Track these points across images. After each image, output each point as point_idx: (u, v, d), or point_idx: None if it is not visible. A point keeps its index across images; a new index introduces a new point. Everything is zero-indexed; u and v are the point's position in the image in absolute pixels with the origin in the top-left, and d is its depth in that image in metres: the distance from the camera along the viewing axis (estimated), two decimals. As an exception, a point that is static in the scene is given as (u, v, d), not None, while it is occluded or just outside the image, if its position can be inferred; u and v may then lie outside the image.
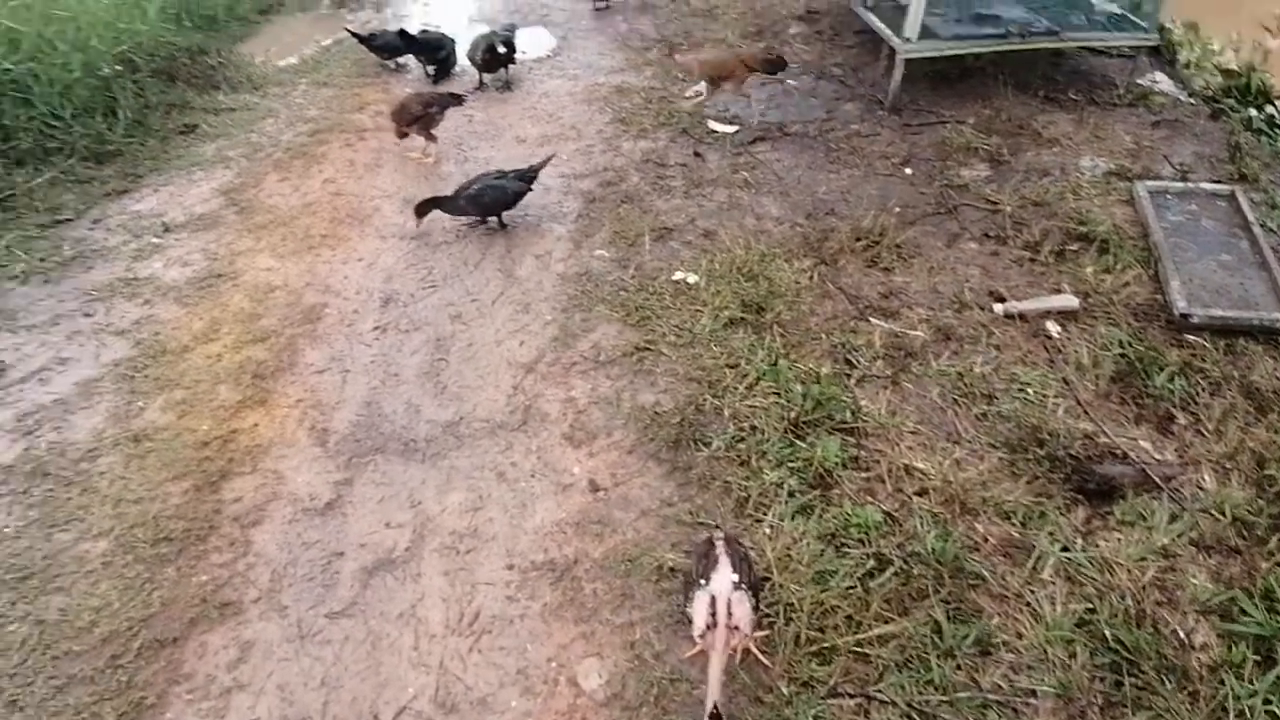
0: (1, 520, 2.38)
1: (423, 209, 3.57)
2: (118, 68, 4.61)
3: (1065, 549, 2.21)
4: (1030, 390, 2.70)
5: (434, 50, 5.25)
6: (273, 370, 2.94)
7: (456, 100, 4.35)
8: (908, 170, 3.89)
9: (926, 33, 4.17)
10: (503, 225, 3.72)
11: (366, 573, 2.25)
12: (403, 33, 5.19)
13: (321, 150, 4.46)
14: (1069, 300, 3.01)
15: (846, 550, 2.16)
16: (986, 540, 2.24)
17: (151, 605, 2.14)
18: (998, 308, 2.98)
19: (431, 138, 4.27)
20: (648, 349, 2.92)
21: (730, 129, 4.38)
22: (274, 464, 2.58)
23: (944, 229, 3.48)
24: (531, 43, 5.78)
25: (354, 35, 5.42)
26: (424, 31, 5.37)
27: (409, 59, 5.44)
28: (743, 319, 2.99)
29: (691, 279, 3.23)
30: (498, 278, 3.42)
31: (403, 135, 4.24)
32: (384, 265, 3.53)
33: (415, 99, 4.27)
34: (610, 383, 2.81)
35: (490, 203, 3.59)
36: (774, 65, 4.36)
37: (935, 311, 3.01)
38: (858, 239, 3.42)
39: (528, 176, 3.64)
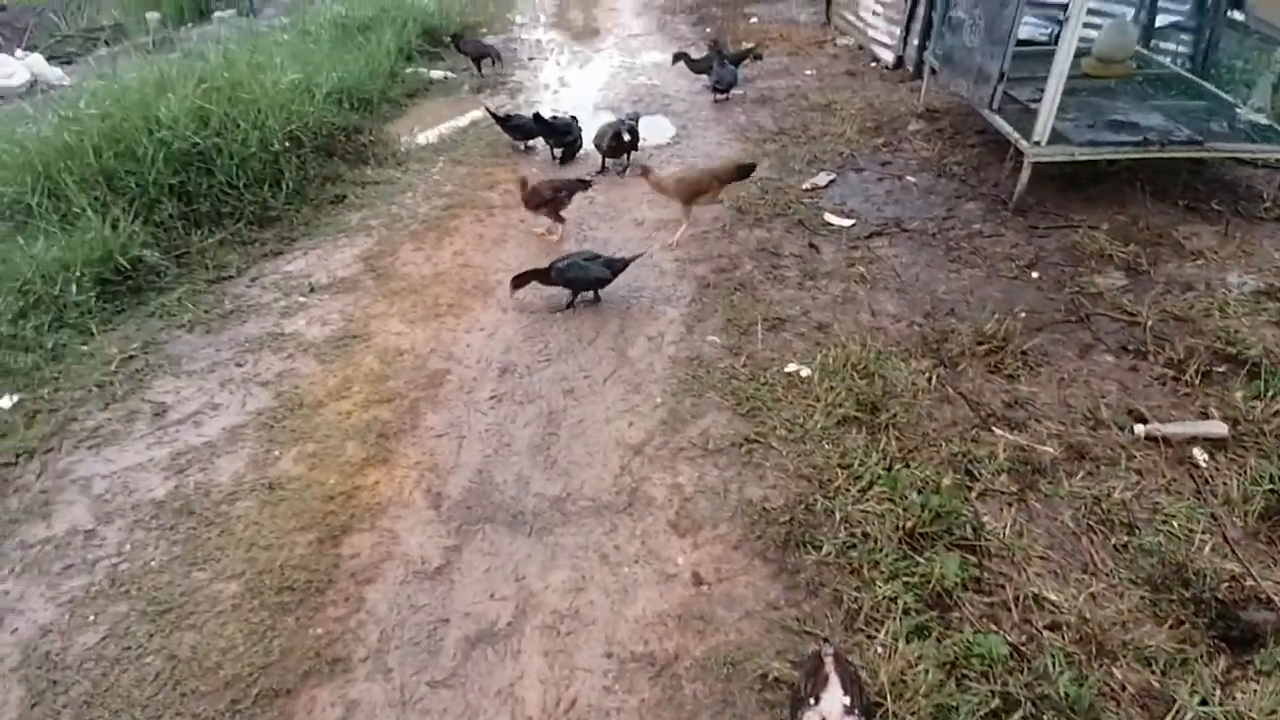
0: (150, 553, 2.58)
1: (519, 281, 3.78)
2: (286, 144, 5.14)
3: (1204, 702, 1.99)
4: (1175, 523, 2.49)
5: (563, 134, 5.59)
6: (396, 431, 3.10)
7: (584, 185, 4.59)
8: (1034, 274, 3.78)
9: (1057, 137, 4.11)
10: (597, 299, 3.88)
11: (469, 643, 2.28)
12: (537, 116, 5.57)
13: (454, 224, 4.77)
14: (1217, 427, 2.79)
15: (968, 684, 2.02)
16: (1124, 688, 2.04)
17: (271, 653, 2.23)
18: (1139, 429, 2.79)
19: (559, 219, 4.51)
20: (757, 441, 2.90)
21: (847, 222, 4.40)
22: (390, 523, 2.68)
23: (1075, 338, 3.33)
24: (653, 130, 6.07)
25: (492, 115, 5.85)
26: (554, 117, 5.74)
27: (538, 141, 5.81)
28: (856, 418, 2.93)
29: (804, 372, 3.21)
30: (610, 356, 3.50)
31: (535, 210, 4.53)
32: (504, 336, 3.70)
33: (546, 184, 4.53)
34: (718, 472, 2.80)
35: (573, 279, 3.78)
36: (745, 171, 4.37)
37: (1067, 427, 2.85)
38: (980, 342, 3.32)
39: (615, 266, 3.80)
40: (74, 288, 3.83)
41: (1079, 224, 4.13)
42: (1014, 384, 3.10)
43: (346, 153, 5.78)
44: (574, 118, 5.71)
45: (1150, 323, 3.33)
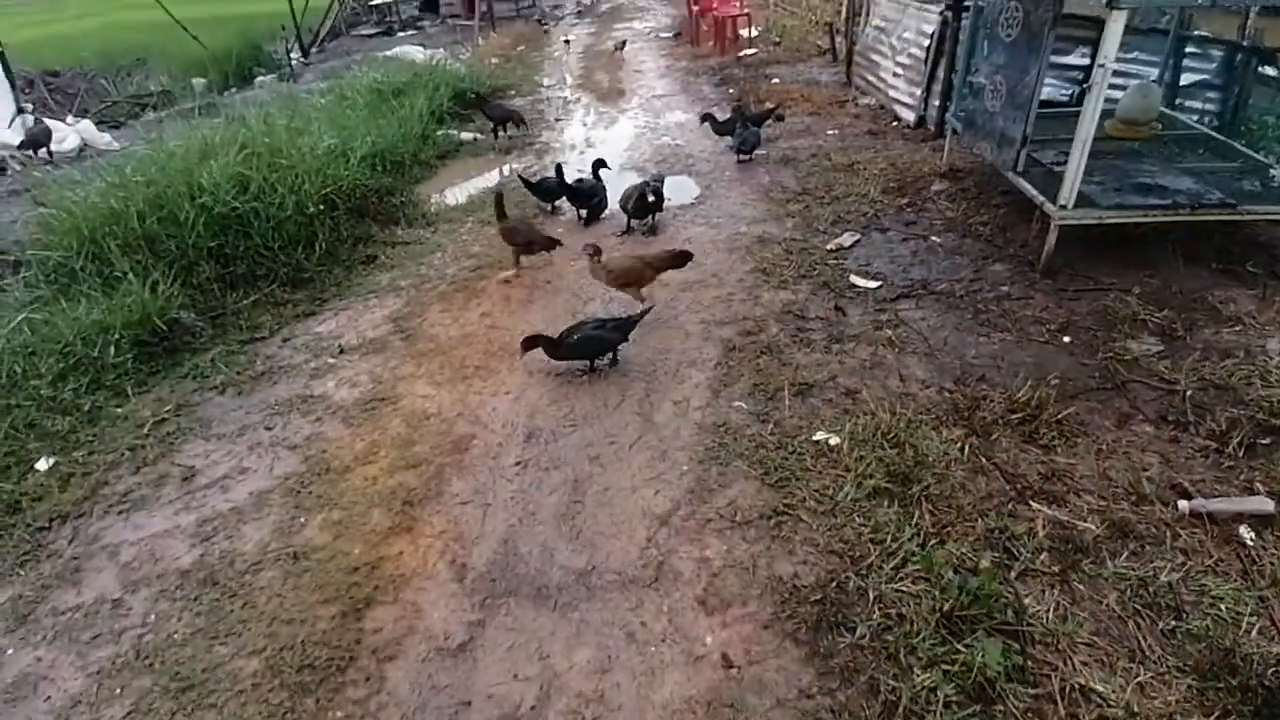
0: (174, 624, 2.57)
1: (529, 344, 3.78)
2: (321, 207, 5.29)
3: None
4: (1222, 606, 2.38)
5: (588, 197, 5.69)
6: (421, 498, 3.09)
7: (553, 245, 4.89)
8: (1066, 339, 3.72)
9: (1083, 200, 4.09)
10: (614, 362, 3.88)
11: (491, 728, 2.22)
12: (561, 180, 5.68)
13: (481, 285, 4.84)
14: (1264, 504, 2.69)
15: (1015, 784, 1.91)
16: (1181, 789, 1.92)
17: (290, 737, 2.19)
18: (1183, 505, 2.69)
19: (517, 262, 4.87)
20: (787, 513, 2.84)
21: (873, 284, 4.39)
22: (414, 595, 2.65)
23: (1112, 407, 3.25)
24: (677, 190, 6.16)
25: (522, 180, 6.00)
26: (580, 180, 5.85)
27: (564, 201, 5.92)
28: (888, 489, 2.87)
29: (833, 440, 3.16)
30: (636, 421, 3.48)
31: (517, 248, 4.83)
32: (529, 400, 3.70)
33: (525, 229, 4.90)
34: (746, 546, 2.74)
35: (588, 351, 3.79)
36: (680, 261, 4.35)
37: (1108, 502, 2.75)
38: (1013, 410, 3.25)
39: (625, 327, 3.82)
40: (112, 350, 3.92)
41: (1110, 287, 4.08)
42: (1050, 455, 3.02)
43: (378, 214, 5.94)
44: (598, 177, 5.80)
45: (1189, 391, 3.25)
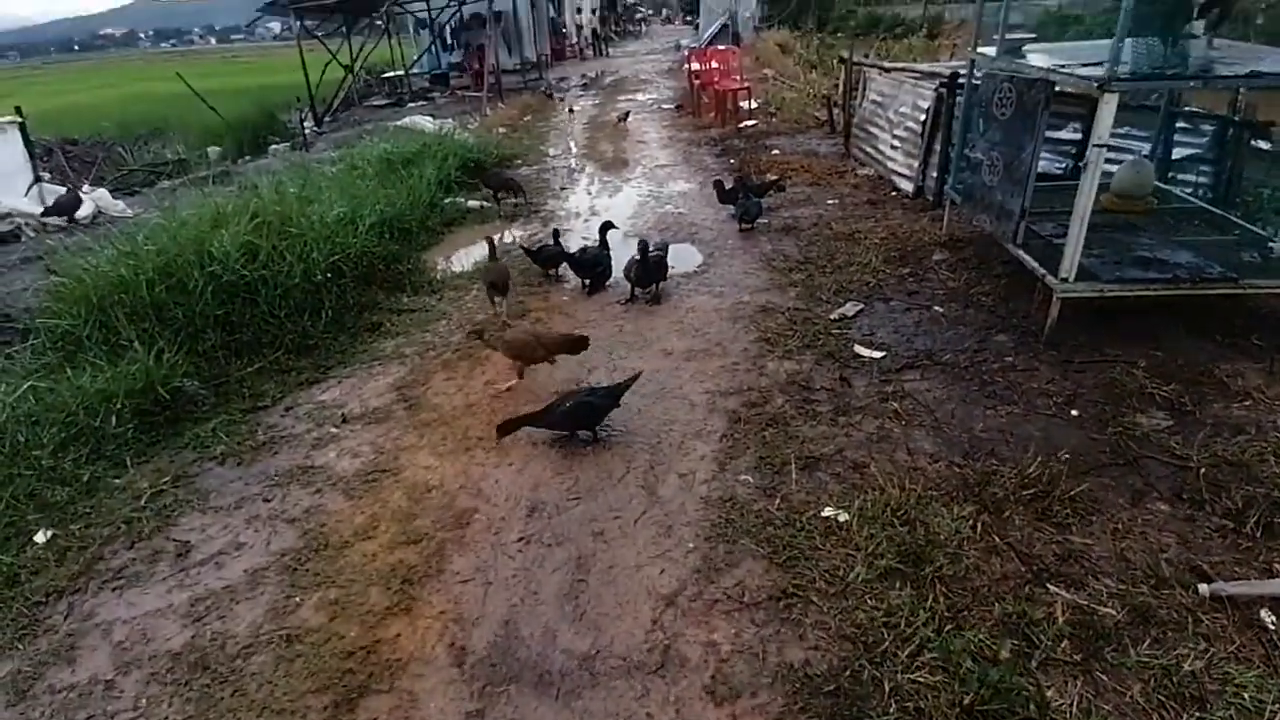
0: (164, 709, 2.47)
1: (506, 428, 3.73)
2: (328, 274, 5.35)
3: None
4: (1246, 695, 2.29)
5: (591, 266, 5.76)
6: (420, 576, 3.01)
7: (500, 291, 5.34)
8: (1074, 412, 3.69)
9: (1084, 273, 4.13)
10: (595, 437, 3.83)
11: (489, 830, 2.10)
12: (559, 247, 5.81)
13: (485, 352, 4.83)
14: (1285, 586, 2.61)
15: None
16: None
17: (277, 839, 2.07)
18: (1203, 589, 2.62)
19: (492, 302, 5.29)
20: (796, 594, 2.76)
21: (877, 354, 4.39)
22: (410, 683, 2.55)
23: (1126, 484, 3.20)
24: (681, 258, 6.24)
25: (523, 249, 6.09)
26: (584, 249, 5.93)
27: (565, 268, 5.99)
28: (900, 570, 2.80)
29: (842, 517, 3.10)
30: (640, 495, 3.43)
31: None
32: (533, 472, 3.65)
33: (504, 274, 5.38)
34: (755, 629, 2.65)
35: (583, 420, 3.77)
36: (576, 347, 4.36)
37: (1127, 585, 2.68)
38: (1024, 486, 3.19)
39: (616, 394, 3.81)
40: (114, 419, 3.90)
41: (1115, 360, 4.08)
42: (1065, 534, 2.96)
43: (385, 281, 6.00)
44: (605, 242, 5.87)
45: (1203, 469, 3.20)
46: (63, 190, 8.54)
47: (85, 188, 9.21)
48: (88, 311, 4.53)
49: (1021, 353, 4.29)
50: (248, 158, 13.31)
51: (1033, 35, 5.74)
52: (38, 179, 8.82)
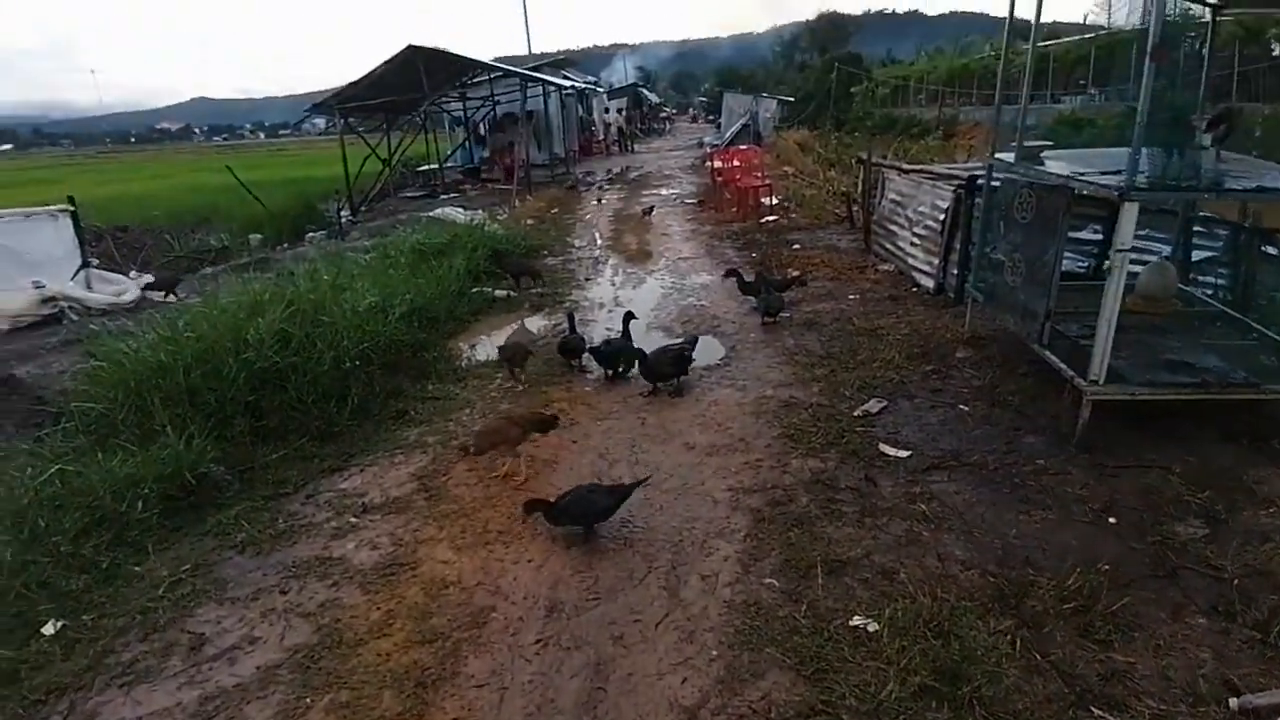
0: (158, 825, 2.36)
1: (529, 508, 3.79)
2: (356, 362, 5.45)
3: None
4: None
5: (613, 359, 5.82)
6: (435, 679, 2.92)
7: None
8: (1111, 520, 3.58)
9: (1114, 375, 4.10)
10: (589, 531, 3.78)
11: None
12: (575, 333, 6.10)
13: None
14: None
15: None
16: None
17: None
18: (1232, 702, 2.49)
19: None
20: (825, 712, 2.63)
21: (903, 453, 4.33)
22: (420, 798, 2.43)
23: (1166, 597, 3.06)
24: (703, 351, 6.28)
25: (558, 347, 6.23)
26: (608, 341, 6.02)
27: (589, 358, 6.06)
28: (934, 688, 2.66)
29: (871, 627, 2.99)
30: (662, 597, 3.34)
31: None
32: (552, 569, 3.58)
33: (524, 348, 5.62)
34: (783, 750, 2.52)
35: (579, 514, 3.74)
36: (545, 425, 4.55)
37: (1168, 705, 2.53)
38: (1064, 599, 3.07)
39: (619, 494, 3.80)
40: (140, 504, 3.92)
41: (1151, 464, 3.98)
42: (1108, 651, 2.81)
43: (411, 368, 6.10)
44: (628, 332, 5.95)
45: (1236, 580, 3.07)
46: (117, 275, 8.95)
47: (132, 273, 9.61)
48: (124, 396, 4.63)
49: (1053, 455, 4.21)
50: (286, 245, 13.87)
51: (1048, 142, 5.90)
52: (85, 264, 9.23)
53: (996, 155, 5.58)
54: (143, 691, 2.92)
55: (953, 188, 7.11)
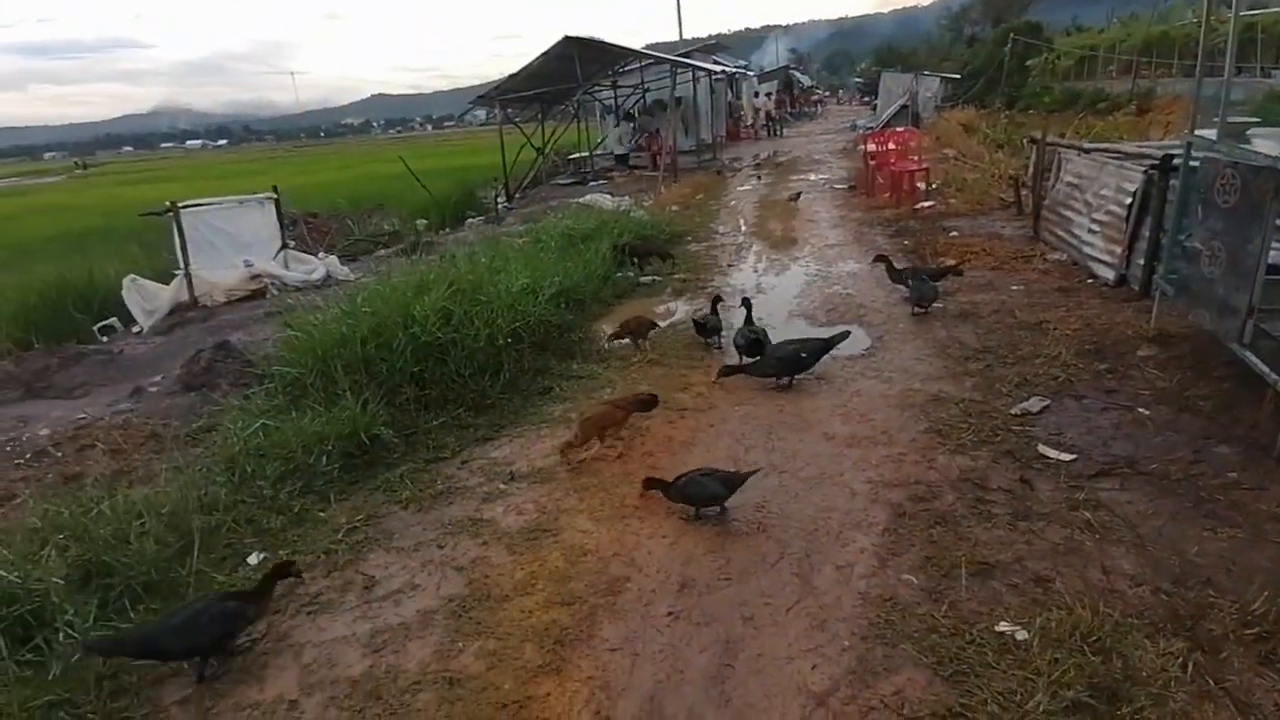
0: (336, 736, 2.70)
1: (648, 484, 3.92)
2: (509, 339, 5.80)
3: None
4: None
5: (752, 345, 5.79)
6: (572, 638, 3.09)
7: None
8: (1317, 544, 3.14)
9: (1334, 382, 3.56)
10: (697, 514, 3.85)
11: None
12: (715, 302, 6.21)
13: (646, 423, 4.97)
14: None
15: None
16: None
17: None
18: None
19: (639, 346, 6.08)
20: (963, 715, 2.52)
21: (1066, 457, 4.01)
22: (556, 745, 2.61)
23: (1378, 635, 2.65)
24: (846, 341, 6.09)
25: (693, 321, 6.31)
26: (750, 326, 6.00)
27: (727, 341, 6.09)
28: (1090, 705, 2.48)
29: (1020, 635, 2.82)
30: (794, 583, 3.32)
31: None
32: (685, 546, 3.66)
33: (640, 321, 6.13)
34: (915, 748, 2.45)
35: (691, 495, 3.81)
36: (646, 405, 4.65)
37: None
38: (1247, 625, 2.75)
39: (731, 483, 3.79)
40: (325, 459, 4.42)
41: (1371, 485, 3.44)
42: (1298, 686, 2.50)
43: (557, 348, 6.39)
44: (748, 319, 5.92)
45: None
46: (308, 255, 10.04)
47: (320, 255, 10.74)
48: (313, 362, 5.22)
49: (1249, 469, 3.74)
50: (447, 230, 14.90)
51: (1256, 119, 5.18)
52: (284, 245, 10.42)
53: (1196, 133, 4.97)
54: (325, 620, 3.33)
55: (1143, 168, 6.40)
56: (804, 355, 5.30)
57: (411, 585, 3.53)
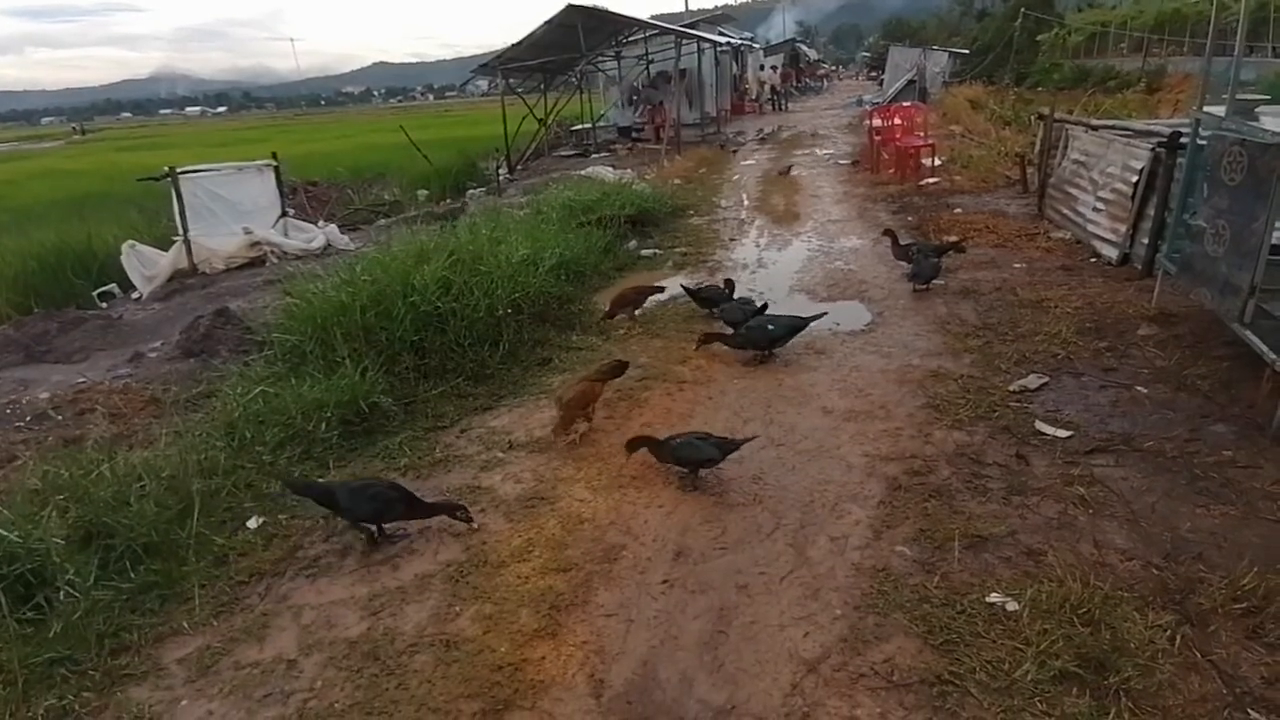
0: (336, 694, 2.73)
1: (632, 445, 3.93)
2: (508, 310, 5.78)
3: None
4: None
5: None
6: (568, 604, 3.13)
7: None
8: (1308, 521, 3.16)
9: (1333, 361, 3.56)
10: (695, 478, 3.90)
11: None
12: (729, 284, 6.06)
13: (645, 395, 4.99)
14: None
15: None
16: None
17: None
18: None
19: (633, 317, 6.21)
20: (952, 682, 2.56)
21: (1063, 433, 4.02)
22: (551, 705, 2.65)
23: (1366, 611, 2.68)
24: (847, 316, 6.10)
25: (685, 290, 6.30)
26: (746, 300, 6.00)
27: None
28: (1077, 675, 2.52)
29: (1010, 606, 2.85)
30: (788, 553, 3.36)
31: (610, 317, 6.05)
32: (681, 516, 3.69)
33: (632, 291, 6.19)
34: (904, 713, 2.49)
35: (684, 457, 3.84)
36: (616, 371, 4.72)
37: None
38: (1236, 599, 2.78)
39: (725, 449, 3.83)
40: (324, 425, 4.43)
41: (1366, 465, 3.46)
42: (1276, 654, 2.53)
43: (557, 319, 6.38)
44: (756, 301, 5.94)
45: None
46: (308, 224, 9.99)
47: (320, 224, 10.68)
48: (313, 330, 5.22)
49: (1243, 446, 3.75)
50: (448, 200, 14.80)
51: (1265, 97, 5.12)
52: (284, 213, 10.36)
53: (1205, 110, 4.91)
54: (324, 583, 3.36)
55: (1150, 146, 6.33)
56: (771, 327, 5.33)
57: (409, 550, 3.56)
